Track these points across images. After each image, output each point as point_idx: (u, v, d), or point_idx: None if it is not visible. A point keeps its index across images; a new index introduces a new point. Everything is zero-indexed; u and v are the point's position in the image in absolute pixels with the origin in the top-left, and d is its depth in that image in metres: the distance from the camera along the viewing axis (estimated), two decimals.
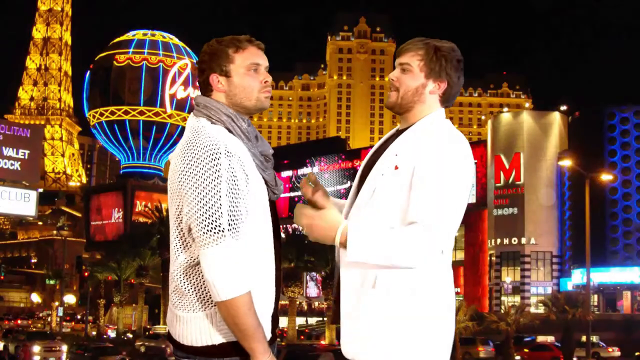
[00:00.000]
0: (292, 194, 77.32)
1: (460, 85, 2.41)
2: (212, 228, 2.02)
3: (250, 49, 2.28)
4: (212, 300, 2.11)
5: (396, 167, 2.24)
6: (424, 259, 2.12)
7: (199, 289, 2.14)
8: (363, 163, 2.46)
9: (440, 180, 2.15)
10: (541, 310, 42.12)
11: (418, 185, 2.17)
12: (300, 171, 77.77)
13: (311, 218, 2.18)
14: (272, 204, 2.29)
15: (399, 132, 2.39)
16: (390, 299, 2.19)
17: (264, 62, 2.29)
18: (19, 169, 25.92)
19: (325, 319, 54.91)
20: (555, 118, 64.41)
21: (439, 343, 2.23)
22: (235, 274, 2.02)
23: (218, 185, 2.04)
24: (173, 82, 79.17)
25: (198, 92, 2.37)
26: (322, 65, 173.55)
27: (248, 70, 2.26)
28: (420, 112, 2.36)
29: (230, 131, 2.20)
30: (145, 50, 79.52)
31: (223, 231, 2.03)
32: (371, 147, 2.55)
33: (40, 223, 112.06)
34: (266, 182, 2.25)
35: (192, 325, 2.15)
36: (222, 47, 2.26)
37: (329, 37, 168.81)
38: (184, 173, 2.08)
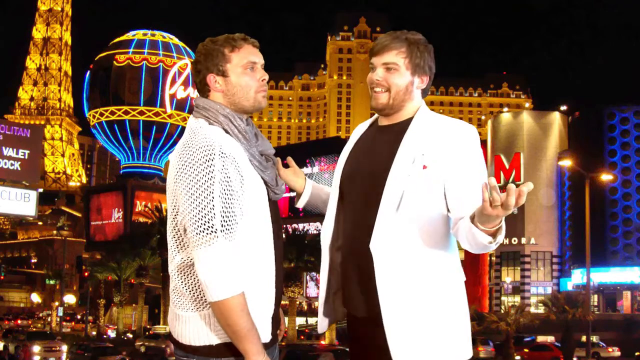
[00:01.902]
0: (292, 194, 77.02)
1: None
2: (205, 229, 2.02)
3: (246, 48, 2.27)
4: (207, 301, 2.11)
5: (424, 167, 2.22)
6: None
7: (195, 289, 2.14)
8: (342, 166, 2.42)
9: (477, 175, 2.21)
10: (541, 310, 42.09)
11: (460, 182, 2.20)
12: None
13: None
14: (274, 204, 2.28)
15: (388, 130, 2.36)
16: (434, 297, 2.23)
17: (260, 60, 2.29)
18: (19, 169, 25.92)
19: None
20: (555, 118, 64.43)
21: (469, 329, 2.33)
22: (228, 274, 2.01)
23: (211, 187, 2.03)
24: (173, 82, 79.17)
25: (197, 93, 2.36)
26: (322, 65, 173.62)
27: (245, 68, 2.25)
28: (409, 109, 2.36)
29: (227, 132, 2.19)
30: (145, 50, 79.52)
31: (216, 232, 2.02)
32: None
33: (40, 223, 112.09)
34: (265, 183, 2.24)
35: (190, 325, 2.15)
36: (217, 46, 2.25)
37: (329, 37, 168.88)
38: (179, 173, 2.09)
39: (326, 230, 2.42)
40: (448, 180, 2.21)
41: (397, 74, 2.31)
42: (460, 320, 2.27)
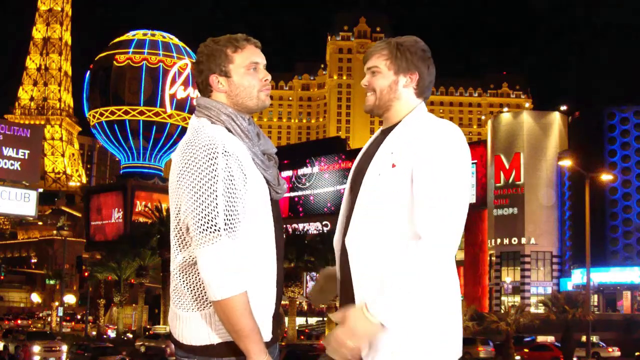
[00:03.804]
0: (292, 194, 77.22)
1: (432, 75, 2.41)
2: (208, 227, 2.02)
3: (249, 48, 2.27)
4: (209, 300, 2.10)
5: (393, 165, 2.22)
6: (435, 270, 2.13)
7: (196, 289, 2.13)
8: (353, 168, 2.44)
9: (443, 185, 2.14)
10: (541, 310, 42.08)
11: (421, 193, 2.14)
12: (300, 171, 77.58)
13: (345, 337, 2.12)
14: (275, 204, 2.28)
15: (384, 133, 2.38)
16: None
17: (262, 60, 2.29)
18: (19, 169, 25.91)
19: (325, 319, 54.92)
20: (555, 118, 64.40)
21: (453, 340, 2.31)
22: (231, 273, 2.01)
23: (214, 185, 2.03)
24: (173, 82, 79.18)
25: (198, 93, 2.36)
26: (322, 65, 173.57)
27: (248, 69, 2.25)
28: (400, 109, 2.36)
29: (230, 130, 2.19)
30: (145, 50, 79.53)
31: (219, 230, 2.02)
32: None
33: (40, 223, 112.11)
34: (267, 182, 2.24)
35: (190, 325, 2.14)
36: (220, 47, 2.25)
37: (329, 37, 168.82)
38: (182, 172, 2.08)
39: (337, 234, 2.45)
40: (413, 179, 2.18)
41: (379, 75, 2.37)
42: (436, 322, 2.24)
